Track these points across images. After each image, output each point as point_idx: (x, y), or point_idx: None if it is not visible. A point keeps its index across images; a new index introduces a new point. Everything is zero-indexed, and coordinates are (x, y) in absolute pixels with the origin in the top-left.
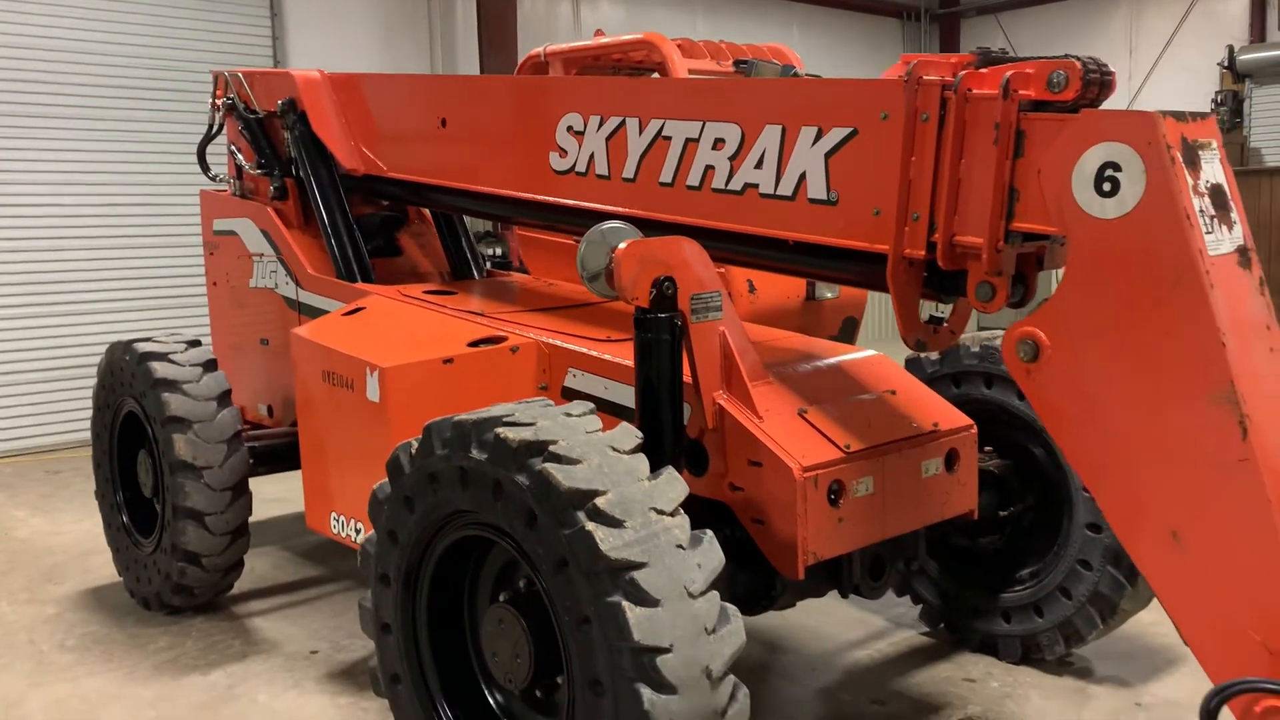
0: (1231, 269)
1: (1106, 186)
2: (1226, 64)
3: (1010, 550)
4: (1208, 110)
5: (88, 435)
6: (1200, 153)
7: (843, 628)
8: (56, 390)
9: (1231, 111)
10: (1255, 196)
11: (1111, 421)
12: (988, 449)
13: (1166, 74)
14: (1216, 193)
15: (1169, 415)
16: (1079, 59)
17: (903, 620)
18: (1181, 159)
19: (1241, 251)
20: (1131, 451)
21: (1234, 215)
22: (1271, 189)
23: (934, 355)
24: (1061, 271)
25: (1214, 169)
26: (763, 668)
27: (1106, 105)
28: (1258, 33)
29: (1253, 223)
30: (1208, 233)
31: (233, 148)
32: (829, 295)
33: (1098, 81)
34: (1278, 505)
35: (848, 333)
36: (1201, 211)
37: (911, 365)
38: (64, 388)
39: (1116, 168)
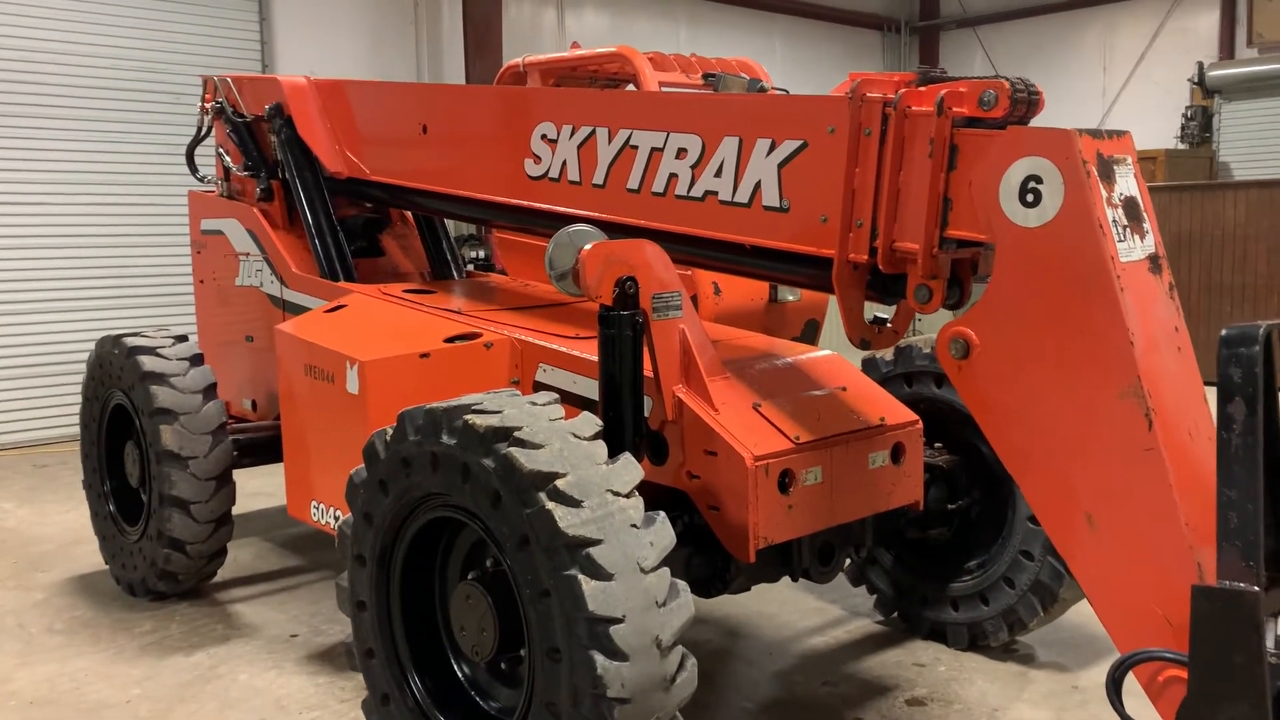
0: (1142, 275)
1: (1029, 197)
2: (1197, 80)
3: (958, 542)
4: (1181, 126)
5: (74, 430)
6: (1115, 168)
7: (800, 616)
8: (44, 386)
9: (1201, 126)
10: (1223, 209)
11: (1033, 414)
12: (937, 445)
13: (1139, 89)
14: (1130, 205)
15: (1083, 408)
16: (1008, 79)
17: (858, 609)
18: (1097, 173)
19: (1152, 259)
20: (1051, 442)
21: (1146, 225)
22: (1236, 202)
23: (888, 356)
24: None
25: (1128, 183)
26: (722, 651)
27: (1066, 116)
28: (1227, 50)
29: (1218, 235)
30: (1120, 241)
31: (220, 150)
32: (791, 298)
33: (1025, 100)
34: (1179, 491)
35: (810, 334)
36: (1115, 221)
37: (867, 365)
38: (51, 383)
39: (1039, 180)
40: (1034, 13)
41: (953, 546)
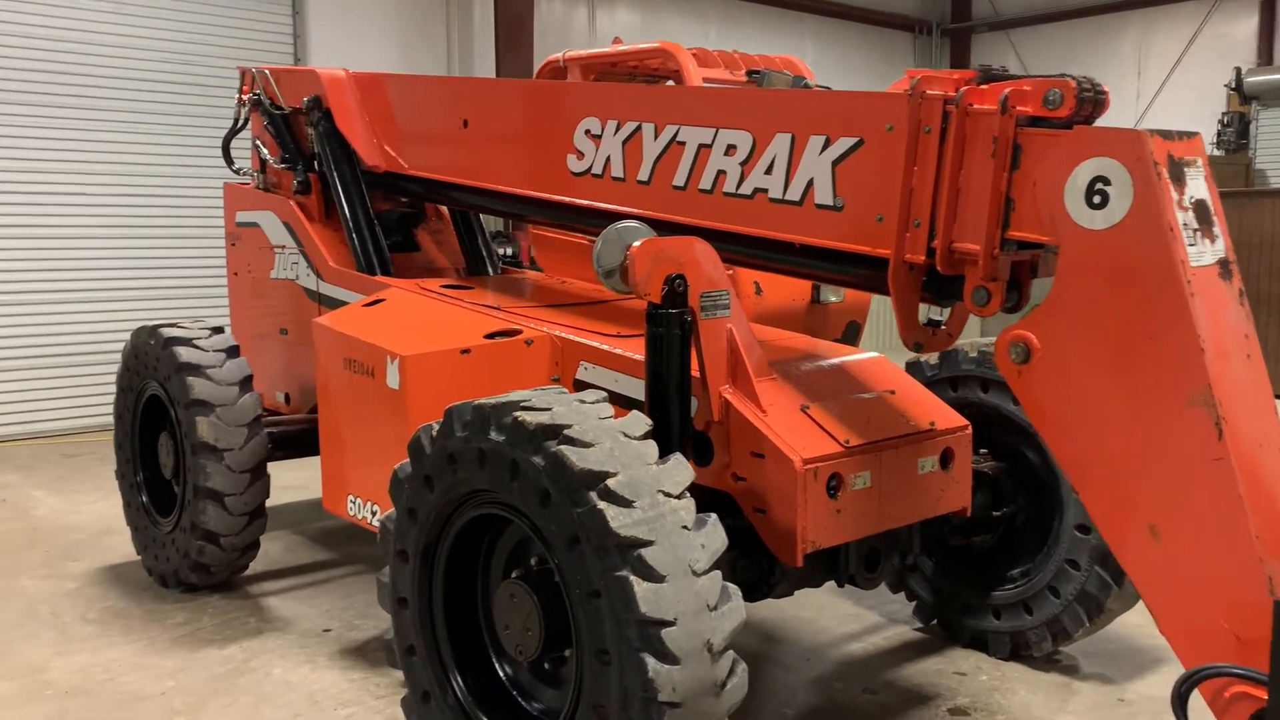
0: (1212, 280)
1: (1096, 199)
2: (1234, 86)
3: (1002, 549)
4: (1217, 133)
5: (103, 420)
6: (1186, 169)
7: (837, 621)
8: (74, 375)
9: (1237, 133)
10: (1259, 217)
11: (1096, 421)
12: (983, 451)
13: (1174, 94)
14: (1200, 208)
15: (1150, 416)
16: (1074, 78)
17: (896, 616)
18: (1167, 175)
19: (1223, 264)
20: (1114, 450)
21: (1216, 229)
22: (1274, 210)
23: (933, 359)
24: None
25: (1198, 185)
26: (760, 656)
27: (1100, 122)
28: (1265, 56)
29: (1256, 243)
30: (1190, 245)
31: (257, 142)
32: (833, 299)
33: (1091, 100)
34: (1249, 502)
35: (850, 336)
36: (1185, 225)
37: (911, 369)
38: (81, 373)
39: (1106, 182)
40: (1068, 16)
41: (996, 554)
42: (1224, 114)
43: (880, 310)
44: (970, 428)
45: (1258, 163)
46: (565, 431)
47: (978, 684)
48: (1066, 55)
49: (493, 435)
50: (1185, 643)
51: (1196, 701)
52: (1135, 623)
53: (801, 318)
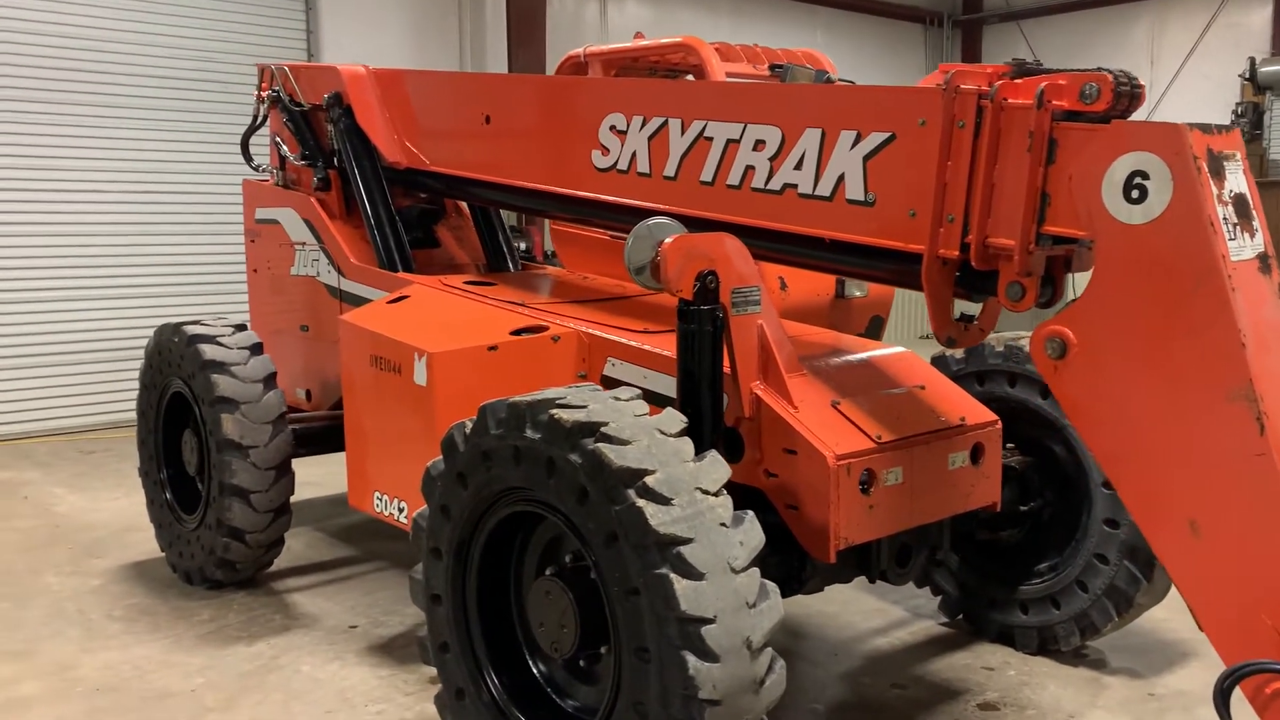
0: (1252, 274)
1: (1135, 194)
2: (1248, 76)
3: (1029, 544)
4: (1230, 123)
5: (120, 416)
6: (1225, 163)
7: (863, 617)
8: (90, 372)
9: (1252, 123)
10: (1274, 208)
11: (1134, 416)
12: (1010, 445)
13: (1188, 84)
14: (1239, 202)
15: (1189, 411)
16: (1111, 72)
17: (922, 611)
18: (1207, 169)
19: (1262, 258)
20: (1152, 445)
21: (1256, 224)
22: None
23: (959, 354)
24: (1089, 274)
25: (1237, 179)
26: (786, 652)
27: (1133, 116)
28: (1279, 45)
29: (1272, 233)
30: (1230, 239)
31: (276, 139)
32: (857, 294)
33: (1128, 94)
34: None
35: (874, 330)
36: (1225, 219)
37: (937, 363)
38: (97, 370)
39: (1145, 176)
40: (1080, 6)
41: (1023, 549)
42: (1238, 104)
43: (902, 305)
44: (1000, 422)
45: (1272, 153)
46: (602, 429)
47: (1006, 679)
48: (1078, 46)
49: (528, 433)
50: (1226, 639)
51: (1235, 697)
52: (1161, 617)
53: (825, 313)
